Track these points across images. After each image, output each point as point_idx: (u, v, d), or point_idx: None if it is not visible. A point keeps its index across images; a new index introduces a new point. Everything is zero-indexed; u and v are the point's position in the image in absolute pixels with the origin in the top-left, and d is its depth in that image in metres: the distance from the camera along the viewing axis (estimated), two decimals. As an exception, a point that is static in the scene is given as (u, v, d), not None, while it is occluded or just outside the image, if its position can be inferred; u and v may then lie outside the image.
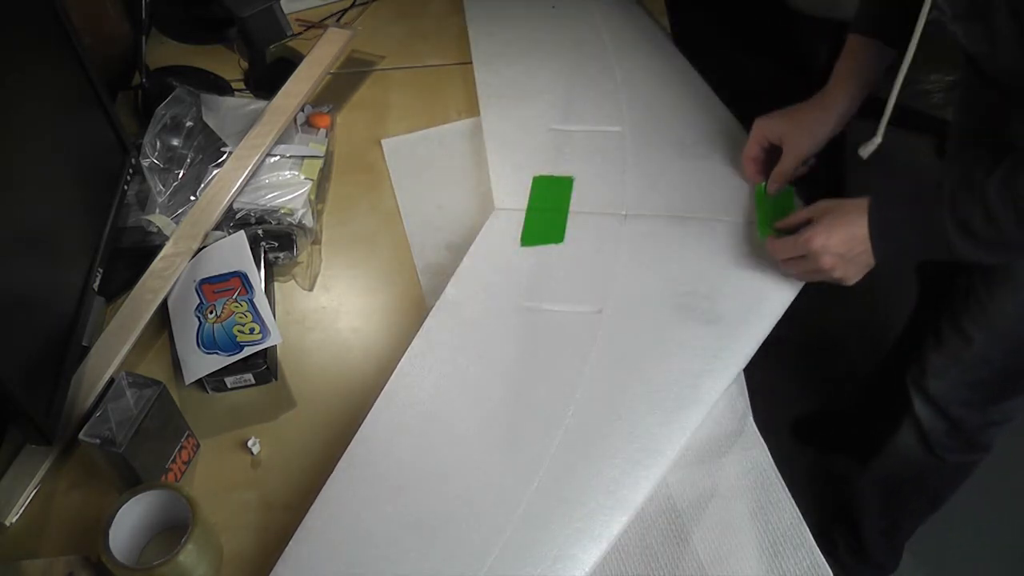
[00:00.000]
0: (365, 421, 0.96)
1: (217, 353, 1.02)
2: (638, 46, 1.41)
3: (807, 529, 0.91)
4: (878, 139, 1.01)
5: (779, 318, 1.03)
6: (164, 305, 1.10)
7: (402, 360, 1.01)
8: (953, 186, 0.92)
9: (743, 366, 1.00)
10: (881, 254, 0.97)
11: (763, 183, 1.15)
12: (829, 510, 1.61)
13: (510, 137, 1.26)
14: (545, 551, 0.86)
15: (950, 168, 0.96)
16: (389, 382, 0.99)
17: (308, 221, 1.20)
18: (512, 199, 1.18)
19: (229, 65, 1.47)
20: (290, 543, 0.87)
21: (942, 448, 1.30)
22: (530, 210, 1.17)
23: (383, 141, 1.33)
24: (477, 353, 1.02)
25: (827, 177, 1.42)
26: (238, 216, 1.20)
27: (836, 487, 1.67)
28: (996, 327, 1.12)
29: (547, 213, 1.16)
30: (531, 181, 1.20)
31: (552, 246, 1.12)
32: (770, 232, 1.07)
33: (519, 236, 1.14)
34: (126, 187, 1.19)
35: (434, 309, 1.06)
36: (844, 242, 0.96)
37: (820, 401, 1.88)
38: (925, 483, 1.40)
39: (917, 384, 1.27)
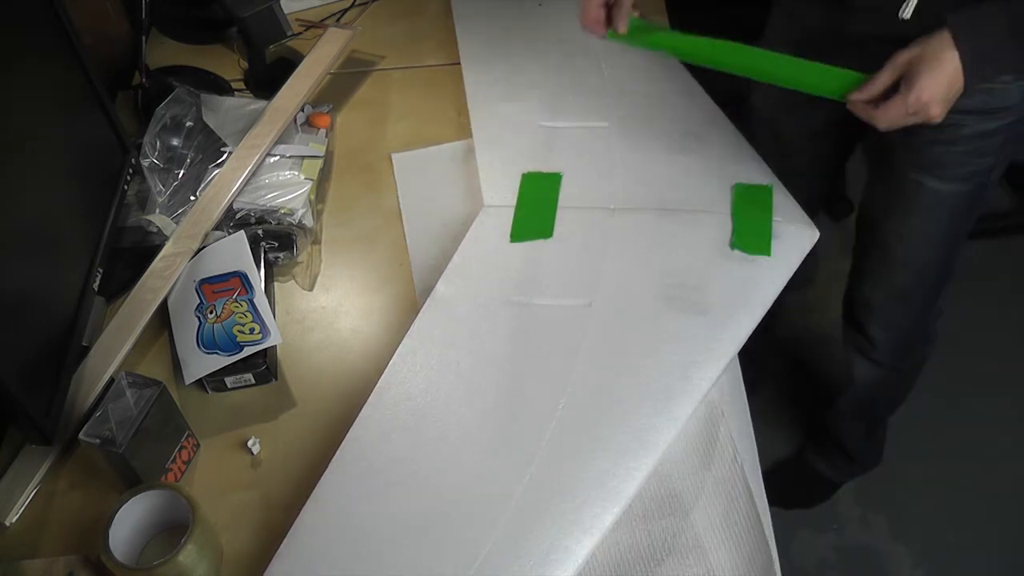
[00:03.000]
0: (357, 418, 0.97)
1: (217, 353, 1.02)
2: (625, 40, 1.41)
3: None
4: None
5: (769, 307, 1.04)
6: (164, 305, 1.10)
7: (393, 357, 1.02)
8: None
9: (733, 356, 1.00)
10: (977, 80, 0.95)
11: (741, 184, 1.15)
12: (814, 439, 1.79)
13: (499, 135, 1.27)
14: (538, 544, 0.86)
15: None
16: (381, 379, 1.00)
17: (308, 221, 1.20)
18: (501, 196, 1.18)
19: (229, 65, 1.47)
20: (285, 540, 0.88)
21: (894, 360, 1.47)
22: (519, 206, 1.17)
23: (393, 155, 1.31)
24: (468, 349, 1.02)
25: (824, 178, 1.43)
26: (238, 216, 1.20)
27: (815, 421, 1.78)
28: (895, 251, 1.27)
29: (536, 209, 1.16)
30: (520, 178, 1.20)
31: (541, 241, 1.13)
32: (851, 101, 0.99)
33: (508, 232, 1.14)
34: (126, 187, 1.19)
35: (425, 306, 1.06)
36: (946, 86, 0.94)
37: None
38: (890, 390, 1.58)
39: (862, 314, 1.40)
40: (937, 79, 0.93)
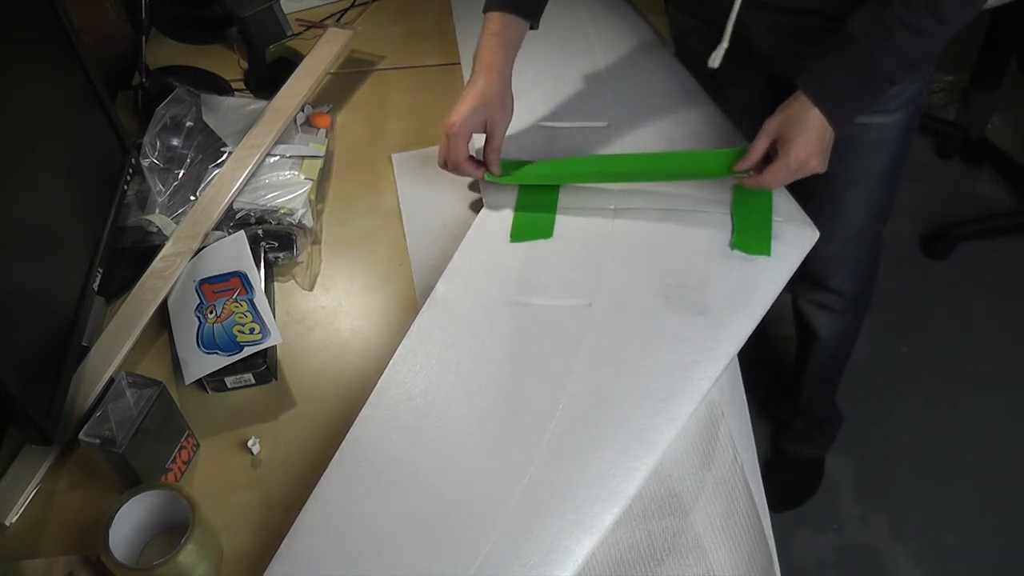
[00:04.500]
0: (357, 418, 0.97)
1: (217, 353, 1.02)
2: (624, 41, 1.41)
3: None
4: (725, 43, 1.07)
5: (768, 307, 1.04)
6: (164, 305, 1.10)
7: (393, 357, 1.02)
8: (864, 31, 0.99)
9: (733, 356, 1.00)
10: (845, 126, 1.04)
11: (741, 184, 1.15)
12: (786, 426, 1.82)
13: None
14: (538, 543, 0.86)
15: (852, 20, 1.05)
16: (381, 379, 1.00)
17: (308, 221, 1.20)
18: (501, 196, 1.18)
19: (229, 65, 1.47)
20: (284, 540, 0.88)
21: (857, 305, 1.54)
22: (519, 207, 1.17)
23: (393, 155, 1.32)
24: (468, 348, 1.02)
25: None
26: (238, 216, 1.20)
27: (781, 407, 1.82)
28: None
29: (536, 209, 1.16)
30: None
31: (541, 241, 1.13)
32: (735, 174, 1.08)
33: (508, 232, 1.14)
34: (126, 187, 1.19)
35: (425, 306, 1.06)
36: (817, 141, 1.02)
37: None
38: (852, 336, 1.63)
39: (821, 271, 1.45)
40: (808, 138, 1.02)
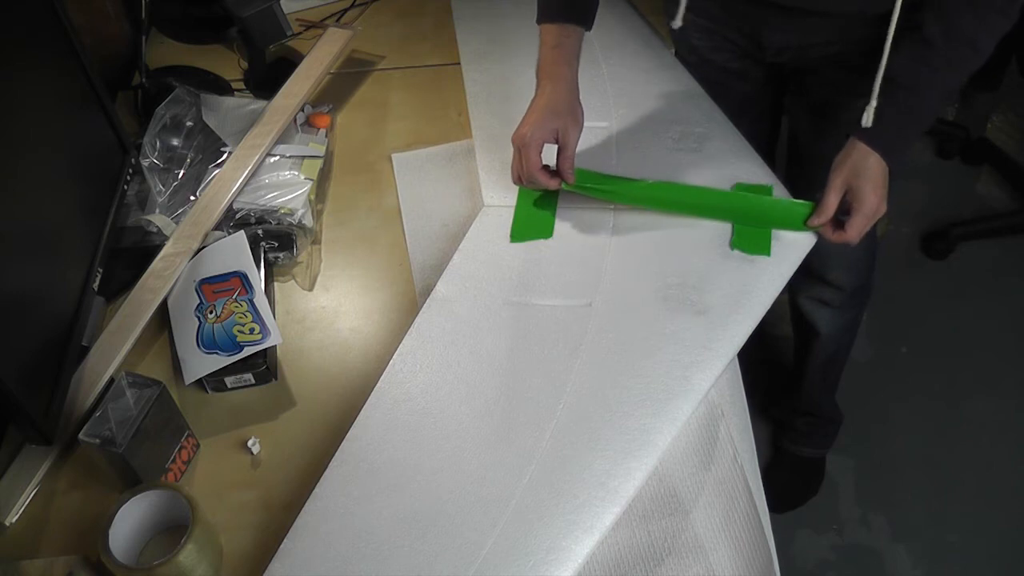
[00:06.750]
0: (357, 418, 0.97)
1: (217, 353, 1.02)
2: (624, 40, 1.41)
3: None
4: (873, 102, 1.07)
5: (768, 308, 1.04)
6: (164, 305, 1.10)
7: (393, 357, 1.02)
8: (911, 75, 1.03)
9: (733, 356, 1.01)
10: (900, 165, 1.08)
11: (741, 184, 1.15)
12: (787, 426, 1.81)
13: (499, 135, 1.26)
14: (538, 543, 0.86)
15: (892, 63, 1.06)
16: (381, 379, 1.00)
17: (308, 221, 1.20)
18: (501, 196, 1.18)
19: (229, 65, 1.47)
20: (284, 540, 0.88)
21: (856, 300, 1.56)
22: (519, 206, 1.17)
23: (393, 155, 1.32)
24: (468, 349, 1.03)
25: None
26: (238, 216, 1.20)
27: (782, 409, 1.82)
28: None
29: (536, 209, 1.16)
30: None
31: (541, 241, 1.13)
32: (811, 228, 1.09)
33: (508, 232, 1.14)
34: (126, 187, 1.19)
35: (424, 306, 1.07)
36: (882, 184, 1.06)
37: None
38: (851, 331, 1.65)
39: (821, 265, 1.47)
40: (875, 184, 1.06)
